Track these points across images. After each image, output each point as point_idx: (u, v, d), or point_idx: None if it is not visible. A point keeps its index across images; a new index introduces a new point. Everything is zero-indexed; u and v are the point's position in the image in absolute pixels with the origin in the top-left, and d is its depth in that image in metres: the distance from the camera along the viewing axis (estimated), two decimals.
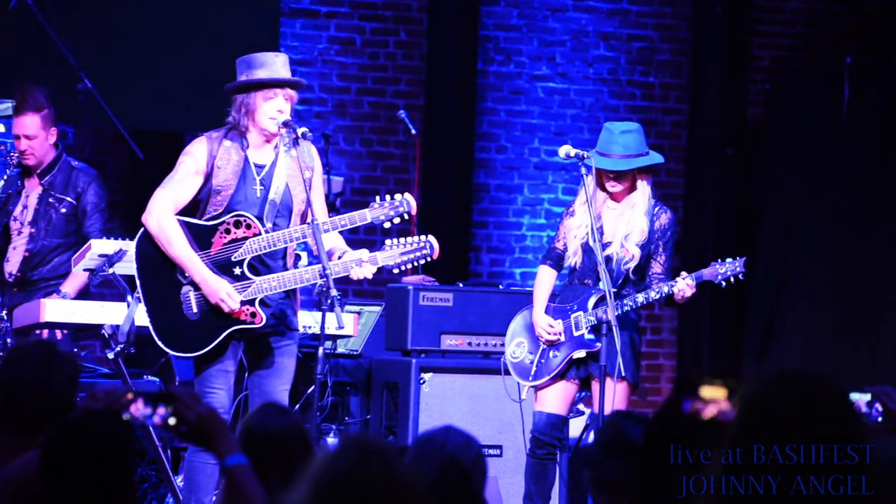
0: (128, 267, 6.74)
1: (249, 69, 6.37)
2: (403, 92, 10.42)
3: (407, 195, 6.44)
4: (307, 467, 2.58)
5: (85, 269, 6.91)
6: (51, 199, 7.65)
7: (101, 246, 6.81)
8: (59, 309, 6.97)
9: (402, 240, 6.45)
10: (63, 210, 7.65)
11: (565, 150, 6.82)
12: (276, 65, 6.38)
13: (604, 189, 6.94)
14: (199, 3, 9.41)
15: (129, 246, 6.68)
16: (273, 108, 6.35)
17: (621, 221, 6.91)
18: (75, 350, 7.38)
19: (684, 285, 6.81)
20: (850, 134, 10.11)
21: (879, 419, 3.53)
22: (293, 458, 3.79)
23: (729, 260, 6.99)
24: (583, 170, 6.80)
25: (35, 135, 7.64)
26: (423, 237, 6.47)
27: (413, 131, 9.11)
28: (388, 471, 2.52)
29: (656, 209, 6.97)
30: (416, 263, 6.48)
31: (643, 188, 6.94)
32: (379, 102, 10.42)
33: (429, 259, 6.48)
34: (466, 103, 10.48)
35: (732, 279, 6.99)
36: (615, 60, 10.83)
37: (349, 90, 10.32)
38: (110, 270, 6.76)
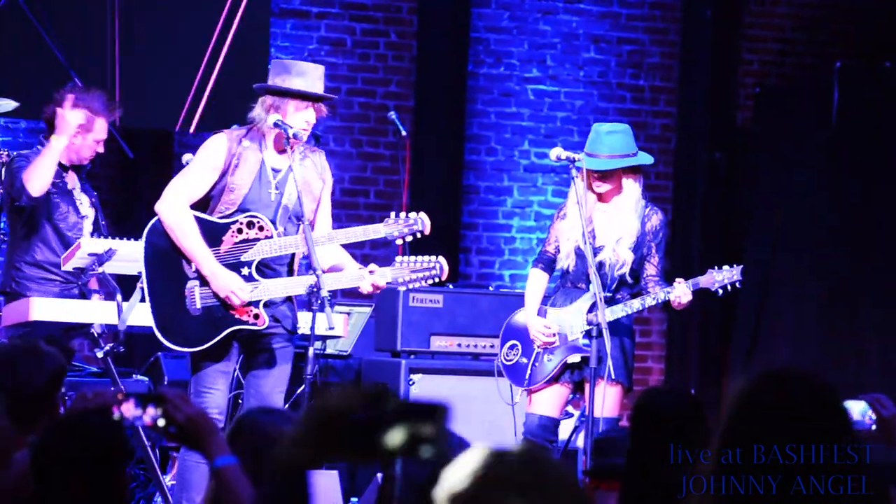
0: (117, 266, 6.73)
1: (286, 74, 6.38)
2: (393, 93, 10.42)
3: (422, 214, 6.48)
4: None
5: (74, 269, 6.88)
6: (95, 194, 7.36)
7: (90, 245, 6.78)
8: (47, 307, 6.90)
9: (412, 258, 6.46)
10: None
11: (556, 153, 6.81)
12: (313, 77, 6.40)
13: (592, 190, 6.93)
14: (189, 3, 9.39)
15: (119, 245, 6.66)
16: (302, 119, 6.38)
17: (612, 224, 6.90)
18: (72, 349, 7.26)
19: (682, 291, 6.77)
20: (838, 138, 10.12)
21: (873, 427, 3.53)
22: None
23: (726, 267, 6.93)
24: (573, 172, 6.78)
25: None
26: (433, 258, 6.49)
27: (403, 133, 9.09)
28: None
29: (647, 210, 6.95)
30: (423, 283, 6.50)
31: (631, 189, 6.91)
32: (369, 103, 10.41)
33: (437, 280, 6.50)
34: (456, 105, 10.48)
35: (729, 287, 6.95)
36: (605, 63, 10.83)
37: (339, 91, 10.31)
38: (100, 270, 6.73)
